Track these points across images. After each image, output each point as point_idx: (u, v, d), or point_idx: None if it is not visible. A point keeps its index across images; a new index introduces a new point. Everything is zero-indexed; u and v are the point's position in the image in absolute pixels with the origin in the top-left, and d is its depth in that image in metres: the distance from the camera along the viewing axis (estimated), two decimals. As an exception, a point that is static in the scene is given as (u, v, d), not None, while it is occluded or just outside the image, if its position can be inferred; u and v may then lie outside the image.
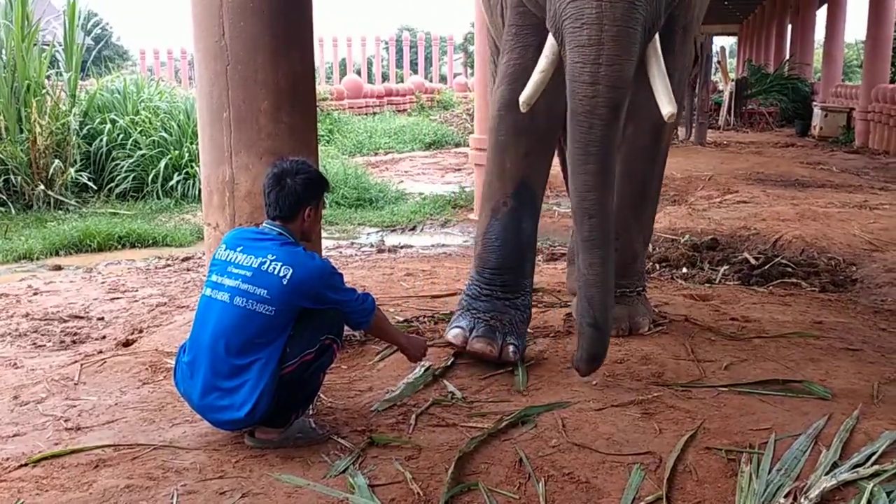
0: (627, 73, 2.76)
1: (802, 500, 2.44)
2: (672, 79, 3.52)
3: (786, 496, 2.48)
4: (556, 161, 4.11)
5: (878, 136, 13.95)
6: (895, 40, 15.81)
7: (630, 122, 3.63)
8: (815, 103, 17.71)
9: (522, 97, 3.00)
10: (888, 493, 2.46)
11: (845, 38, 20.70)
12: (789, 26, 24.05)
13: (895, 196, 8.85)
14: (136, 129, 10.38)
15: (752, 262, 5.79)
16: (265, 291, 2.68)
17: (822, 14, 20.55)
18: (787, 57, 22.33)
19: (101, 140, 10.24)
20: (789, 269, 5.62)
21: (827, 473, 2.58)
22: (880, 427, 2.89)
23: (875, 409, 3.08)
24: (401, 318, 4.20)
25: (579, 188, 2.89)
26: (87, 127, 10.35)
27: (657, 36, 2.89)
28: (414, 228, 8.37)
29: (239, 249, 2.80)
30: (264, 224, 2.88)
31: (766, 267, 5.64)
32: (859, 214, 7.51)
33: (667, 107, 2.86)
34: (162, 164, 9.94)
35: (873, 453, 2.69)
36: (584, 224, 2.89)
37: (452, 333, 3.56)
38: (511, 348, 3.47)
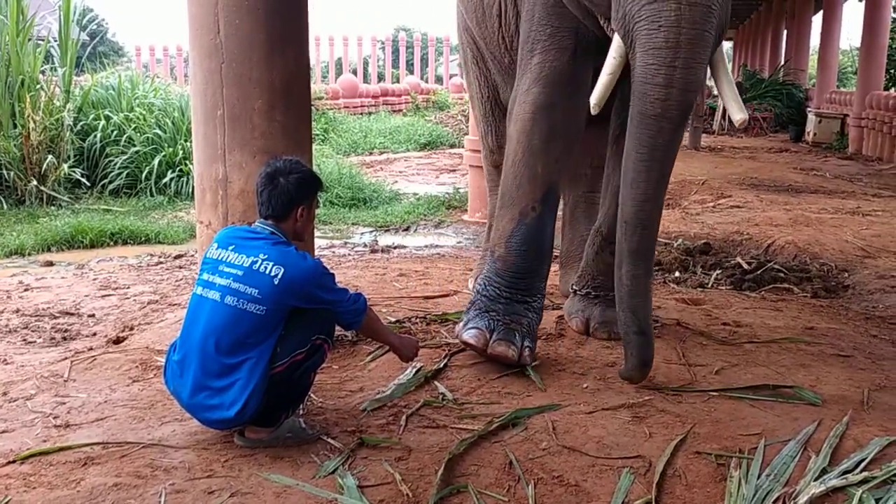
0: (700, 78, 2.84)
1: (791, 505, 2.45)
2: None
3: (775, 502, 2.48)
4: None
5: (872, 142, 13.99)
6: (890, 48, 15.87)
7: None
8: (809, 109, 17.74)
9: (594, 99, 3.04)
10: (877, 500, 2.47)
11: (840, 44, 20.75)
12: (784, 32, 24.11)
13: (888, 202, 8.87)
14: (130, 126, 10.35)
15: (745, 266, 5.79)
16: (256, 291, 2.68)
17: (817, 20, 20.61)
18: (782, 62, 22.38)
19: (95, 136, 10.21)
20: (781, 275, 5.62)
21: (816, 479, 2.58)
22: (870, 433, 2.90)
23: (865, 415, 3.09)
24: (393, 319, 4.19)
25: (638, 198, 2.93)
26: (81, 123, 10.32)
27: (723, 43, 3.00)
28: (408, 229, 8.37)
29: (231, 248, 2.79)
30: (257, 223, 2.88)
31: (758, 272, 5.65)
32: (852, 220, 7.53)
33: (737, 113, 2.94)
34: (156, 161, 9.92)
35: (863, 460, 2.70)
36: (634, 235, 2.94)
37: (470, 334, 3.48)
38: (527, 351, 3.47)
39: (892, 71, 17.22)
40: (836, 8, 18.72)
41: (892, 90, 15.29)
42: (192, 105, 3.66)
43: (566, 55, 3.49)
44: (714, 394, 3.27)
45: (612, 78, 3.02)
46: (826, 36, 19.06)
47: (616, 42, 2.99)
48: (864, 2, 15.40)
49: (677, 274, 5.71)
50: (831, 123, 15.96)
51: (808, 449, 2.79)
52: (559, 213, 4.58)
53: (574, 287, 4.09)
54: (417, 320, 4.20)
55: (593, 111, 3.07)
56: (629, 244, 2.96)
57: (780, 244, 6.49)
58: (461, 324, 3.61)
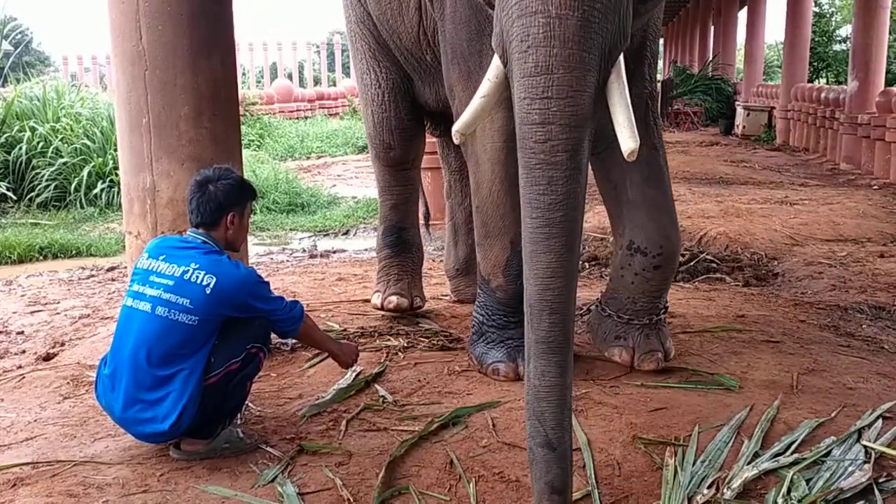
0: (585, 108, 2.23)
1: (725, 490, 2.50)
2: (648, 108, 3.53)
3: (709, 487, 2.53)
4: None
5: (798, 133, 14.40)
6: (812, 41, 16.34)
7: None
8: (737, 103, 18.19)
9: (459, 126, 2.47)
10: (807, 481, 2.54)
11: (765, 39, 21.33)
12: (712, 28, 24.68)
13: (814, 191, 9.15)
14: (57, 137, 10.10)
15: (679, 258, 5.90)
16: (188, 301, 2.63)
17: (743, 16, 21.14)
18: (711, 58, 22.89)
19: (21, 149, 9.93)
20: (714, 265, 5.76)
21: (749, 463, 2.65)
22: (800, 416, 2.98)
23: (794, 399, 3.18)
24: (333, 324, 4.16)
25: (540, 274, 2.24)
26: (6, 135, 10.04)
27: (621, 61, 2.36)
28: (347, 233, 8.33)
29: (161, 258, 2.74)
30: (188, 232, 2.84)
31: (691, 263, 5.77)
32: (780, 210, 7.75)
33: (628, 142, 2.29)
34: (85, 172, 9.69)
35: (793, 442, 2.78)
36: (542, 321, 2.23)
37: (496, 368, 3.41)
38: None
39: (814, 63, 17.76)
40: (760, 3, 19.24)
41: (816, 82, 15.74)
42: (117, 113, 3.59)
43: None
44: (650, 384, 3.32)
45: (486, 101, 2.46)
46: (751, 31, 19.57)
47: (494, 61, 2.42)
48: (786, -3, 15.85)
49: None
50: (759, 116, 16.38)
51: (741, 434, 2.86)
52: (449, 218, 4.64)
53: (611, 310, 3.64)
54: (357, 324, 4.18)
55: (457, 140, 2.53)
56: (536, 333, 2.24)
57: (713, 235, 6.64)
58: (474, 356, 3.54)
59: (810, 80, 16.07)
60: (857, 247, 6.19)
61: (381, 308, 4.31)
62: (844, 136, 11.58)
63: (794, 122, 14.62)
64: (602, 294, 3.84)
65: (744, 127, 16.37)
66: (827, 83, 14.92)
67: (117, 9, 3.44)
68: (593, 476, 2.60)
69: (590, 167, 3.75)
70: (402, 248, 4.44)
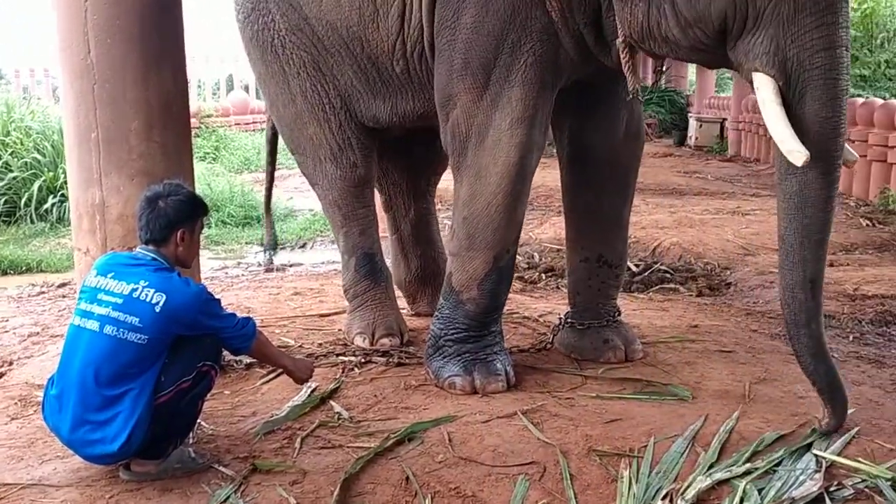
0: None
1: (679, 501, 2.52)
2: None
3: (663, 498, 2.55)
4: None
5: (749, 144, 14.66)
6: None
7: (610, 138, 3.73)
8: (690, 114, 18.45)
9: (799, 147, 2.63)
10: (759, 490, 2.57)
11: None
12: (665, 41, 25.01)
13: (765, 202, 9.29)
14: (6, 151, 9.87)
15: (633, 269, 5.97)
16: (137, 319, 2.58)
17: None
18: (664, 70, 23.19)
19: (-32, 163, 9.70)
20: (668, 275, 5.83)
21: (703, 474, 2.67)
22: (752, 425, 3.02)
23: (747, 408, 3.21)
24: (288, 340, 4.12)
25: (813, 259, 2.81)
26: (-47, 150, 9.79)
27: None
28: (304, 246, 8.27)
29: (110, 275, 2.69)
30: (138, 249, 2.79)
31: (646, 273, 5.84)
32: (732, 220, 7.87)
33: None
34: (35, 186, 9.48)
35: (750, 453, 2.79)
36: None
37: (455, 383, 3.41)
38: (511, 371, 3.49)
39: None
40: (712, 17, 19.51)
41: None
42: (65, 128, 3.53)
43: (547, 89, 3.34)
44: (606, 395, 3.34)
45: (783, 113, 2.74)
46: (703, 44, 19.84)
47: (767, 81, 2.75)
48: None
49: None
50: (711, 127, 16.63)
51: (696, 444, 2.88)
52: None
53: (587, 321, 3.90)
54: (313, 339, 4.15)
55: (798, 163, 2.65)
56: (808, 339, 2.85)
57: (666, 246, 6.72)
58: (431, 370, 3.53)
59: (761, 93, 16.35)
60: (808, 256, 6.30)
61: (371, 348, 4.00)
62: (794, 148, 11.80)
63: (746, 134, 14.88)
64: (571, 310, 3.98)
65: (696, 138, 16.60)
66: (777, 95, 15.29)
67: (65, 22, 3.38)
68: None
69: (561, 181, 3.89)
70: (378, 276, 4.17)
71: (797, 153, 2.62)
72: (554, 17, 3.23)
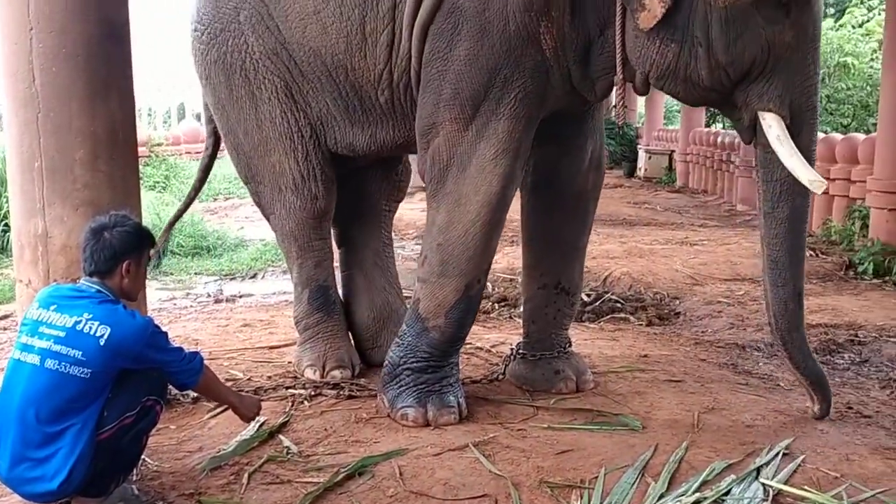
0: None
1: (629, 532, 2.52)
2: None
3: (616, 530, 2.55)
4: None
5: (697, 176, 14.96)
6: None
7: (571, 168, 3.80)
8: (640, 147, 18.79)
9: (818, 176, 3.07)
10: (708, 520, 2.59)
11: (665, 85, 22.10)
12: (615, 74, 25.47)
13: (713, 232, 9.49)
14: (-54, 179, 9.63)
15: (585, 298, 6.00)
16: (80, 353, 2.52)
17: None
18: (613, 103, 23.59)
19: None
20: (619, 305, 5.87)
21: (653, 504, 2.69)
22: (701, 455, 3.05)
23: (696, 437, 3.25)
24: (236, 373, 4.06)
25: (803, 284, 3.35)
26: None
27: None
28: (255, 276, 8.15)
29: (53, 308, 2.63)
30: (82, 281, 2.73)
31: (597, 303, 5.88)
32: (681, 250, 7.99)
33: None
34: (-24, 215, 9.26)
35: (697, 482, 2.82)
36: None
37: (407, 415, 3.39)
38: (463, 403, 3.48)
39: (711, 109, 18.47)
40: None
41: (713, 127, 16.41)
42: (7, 157, 3.46)
43: (532, 123, 3.41)
44: (557, 426, 3.35)
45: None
46: (651, 77, 20.26)
47: (774, 120, 3.11)
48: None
49: (522, 309, 5.83)
50: (660, 159, 16.95)
51: (646, 474, 2.90)
52: (405, 254, 4.55)
53: (539, 352, 3.93)
54: (262, 372, 4.09)
55: (818, 191, 3.10)
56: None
57: (617, 275, 6.78)
58: (385, 399, 3.50)
59: (707, 125, 16.74)
60: (754, 286, 6.40)
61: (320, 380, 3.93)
62: (740, 179, 12.08)
63: (693, 165, 15.19)
64: (523, 341, 4.01)
65: (646, 170, 16.90)
66: (723, 128, 15.55)
67: (9, 49, 3.32)
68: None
69: (522, 207, 3.95)
70: (332, 308, 4.11)
71: (819, 182, 3.03)
72: (548, 54, 3.31)
